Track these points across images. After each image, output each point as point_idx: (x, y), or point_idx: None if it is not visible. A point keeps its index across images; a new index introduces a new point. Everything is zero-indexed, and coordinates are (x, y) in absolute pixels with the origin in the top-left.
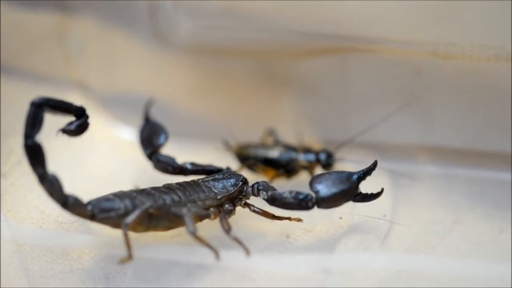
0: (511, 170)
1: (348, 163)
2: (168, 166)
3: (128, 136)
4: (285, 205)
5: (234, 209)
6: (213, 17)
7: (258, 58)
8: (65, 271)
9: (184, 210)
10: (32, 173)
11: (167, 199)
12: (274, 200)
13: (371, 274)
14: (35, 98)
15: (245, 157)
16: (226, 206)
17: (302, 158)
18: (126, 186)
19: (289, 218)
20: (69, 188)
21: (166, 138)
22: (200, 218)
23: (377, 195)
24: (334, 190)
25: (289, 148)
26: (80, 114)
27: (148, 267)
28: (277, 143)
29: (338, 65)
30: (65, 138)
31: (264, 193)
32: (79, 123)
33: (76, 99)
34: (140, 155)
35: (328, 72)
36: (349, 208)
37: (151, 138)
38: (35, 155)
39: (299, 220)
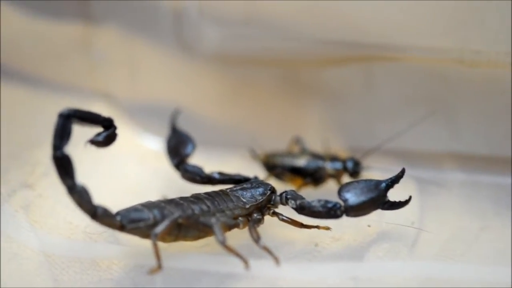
0: None
1: (375, 171)
2: (195, 175)
3: (154, 146)
4: (314, 214)
5: (263, 218)
6: (237, 26)
7: (283, 66)
8: (94, 281)
9: (213, 220)
10: (60, 184)
11: (196, 209)
12: (302, 209)
13: (400, 282)
14: (63, 110)
15: (272, 166)
16: (255, 215)
17: (329, 166)
18: (154, 196)
19: (317, 227)
20: (97, 198)
21: (193, 147)
22: (229, 227)
23: (405, 203)
24: (362, 198)
25: (316, 156)
26: (108, 125)
27: (177, 277)
28: (304, 151)
29: (363, 73)
30: (92, 148)
31: (293, 201)
32: (107, 134)
33: (101, 109)
34: (167, 165)
35: (353, 80)
36: (377, 216)
37: (178, 147)
38: (64, 167)
39: (328, 228)
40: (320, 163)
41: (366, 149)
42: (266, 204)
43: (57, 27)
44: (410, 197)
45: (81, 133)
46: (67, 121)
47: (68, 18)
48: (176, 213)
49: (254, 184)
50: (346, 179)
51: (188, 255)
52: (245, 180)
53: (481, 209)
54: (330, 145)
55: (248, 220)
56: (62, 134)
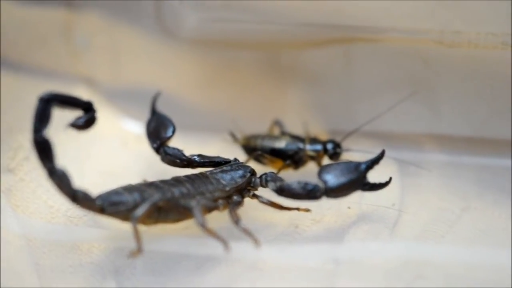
0: None
1: (355, 153)
2: (176, 158)
3: (135, 129)
4: (294, 196)
5: (243, 200)
6: (218, 10)
7: (263, 49)
8: (75, 265)
9: (193, 202)
10: (41, 168)
11: (176, 191)
12: (282, 191)
13: (381, 263)
14: (43, 94)
15: (252, 148)
16: (235, 197)
17: (309, 148)
18: (135, 180)
19: (297, 209)
20: (78, 182)
21: (174, 131)
22: (209, 210)
23: (385, 184)
24: (342, 179)
25: (296, 138)
26: (88, 108)
27: (157, 259)
28: (283, 133)
29: (343, 55)
30: (73, 132)
31: (273, 184)
32: (87, 117)
33: (83, 94)
34: (148, 149)
35: (334, 62)
36: (358, 197)
37: (158, 131)
38: (44, 150)
39: (308, 210)
40: (300, 145)
41: (347, 131)
42: (246, 187)
43: (39, 13)
44: (390, 179)
45: (62, 117)
46: (47, 105)
47: (50, 3)
48: (156, 196)
49: (234, 167)
50: (326, 161)
51: (169, 238)
52: (225, 162)
53: (462, 190)
54: (310, 127)
55: (228, 203)
56: (42, 118)
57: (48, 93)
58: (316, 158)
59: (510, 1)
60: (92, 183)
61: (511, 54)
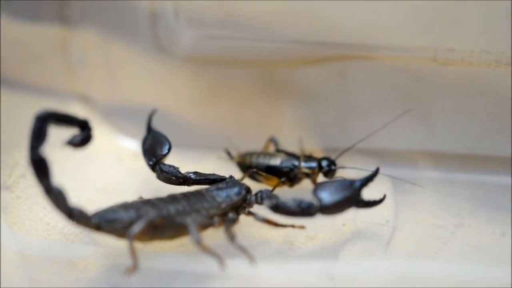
0: None
1: (350, 171)
2: (171, 176)
3: (131, 146)
4: (289, 213)
5: (238, 217)
6: (213, 27)
7: (258, 67)
8: (71, 281)
9: (188, 220)
10: (37, 185)
11: (172, 209)
12: (277, 208)
13: (375, 280)
14: (40, 112)
15: (247, 166)
16: (230, 214)
17: (303, 165)
18: (131, 197)
19: (292, 226)
20: (74, 199)
21: (169, 148)
22: (205, 227)
23: (380, 201)
24: (337, 197)
25: (290, 155)
26: (84, 126)
27: (153, 276)
28: (278, 151)
29: (338, 73)
30: (70, 150)
31: (268, 201)
32: (84, 135)
33: (78, 111)
34: (143, 166)
35: (328, 80)
36: (352, 214)
37: (154, 148)
38: (41, 168)
39: (303, 227)
40: (295, 162)
41: (341, 148)
42: (242, 204)
43: (35, 30)
44: (384, 196)
45: (58, 134)
46: (43, 123)
47: (45, 20)
48: (152, 214)
49: (229, 184)
50: (321, 178)
51: (164, 255)
52: (221, 180)
53: (455, 207)
54: (305, 145)
55: (224, 220)
56: (38, 136)
57: (45, 111)
58: (311, 175)
59: (503, 19)
60: (88, 200)
61: (504, 71)
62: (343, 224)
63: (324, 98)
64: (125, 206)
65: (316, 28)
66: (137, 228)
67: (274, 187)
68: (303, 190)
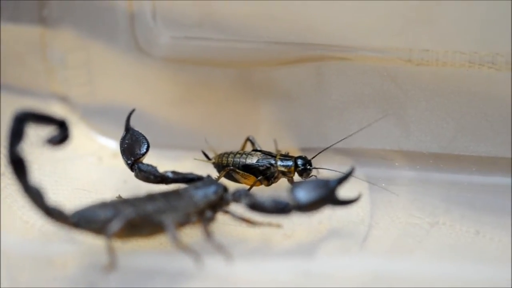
0: (487, 173)
1: (325, 170)
2: (149, 175)
3: (110, 146)
4: (265, 211)
5: (215, 216)
6: (191, 28)
7: (236, 67)
8: (49, 280)
9: (165, 218)
10: (16, 184)
11: (149, 207)
12: (254, 207)
13: (351, 278)
14: (18, 111)
15: (224, 166)
16: (207, 213)
17: (280, 164)
18: (109, 196)
19: (269, 224)
20: (53, 198)
21: (148, 148)
22: (182, 225)
23: (355, 200)
24: (313, 195)
25: (267, 154)
26: (63, 125)
27: (131, 275)
28: (255, 150)
29: (314, 73)
30: (48, 149)
31: (244, 199)
32: (62, 134)
33: (58, 111)
34: (122, 165)
35: (305, 80)
36: (328, 213)
37: (132, 148)
38: (19, 167)
39: (279, 225)
40: (271, 161)
41: (318, 148)
42: (219, 203)
43: (14, 30)
44: (360, 195)
45: (37, 133)
46: (21, 122)
47: (25, 21)
48: (130, 212)
49: (206, 183)
50: (297, 178)
51: (142, 253)
52: (198, 179)
53: (430, 206)
54: (282, 144)
55: (201, 218)
56: (16, 135)
57: (23, 110)
58: (287, 173)
59: (477, 20)
60: (67, 199)
61: (478, 72)
62: (319, 223)
63: (301, 98)
64: (104, 205)
65: (293, 29)
66: (115, 226)
67: (251, 186)
68: (280, 189)
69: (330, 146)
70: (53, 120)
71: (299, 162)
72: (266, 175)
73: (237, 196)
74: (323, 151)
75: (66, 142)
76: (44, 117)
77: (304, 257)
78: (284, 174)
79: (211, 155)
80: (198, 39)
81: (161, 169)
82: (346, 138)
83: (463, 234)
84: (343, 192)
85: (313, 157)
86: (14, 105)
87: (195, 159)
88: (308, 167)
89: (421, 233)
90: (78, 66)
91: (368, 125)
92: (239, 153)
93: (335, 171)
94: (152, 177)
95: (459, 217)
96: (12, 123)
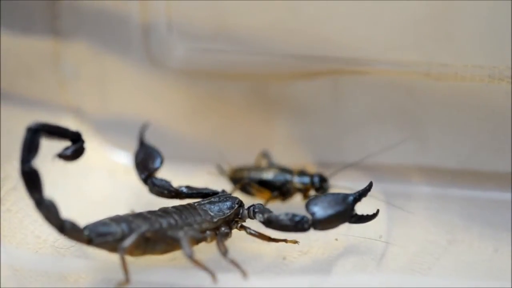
0: (505, 189)
1: (342, 188)
2: (163, 189)
3: (123, 160)
4: (281, 227)
5: (231, 231)
6: (206, 41)
7: (251, 80)
8: None
9: (180, 234)
10: (28, 198)
11: (164, 222)
12: (270, 222)
13: None
14: (32, 124)
15: (239, 180)
16: (223, 229)
17: (296, 180)
18: (122, 210)
19: (285, 240)
20: (65, 212)
21: (161, 161)
22: (197, 241)
23: (373, 216)
24: (330, 211)
25: (283, 170)
26: (76, 139)
27: None
28: (271, 165)
29: (331, 87)
30: (61, 162)
31: (260, 215)
32: (75, 148)
33: (70, 124)
34: (135, 179)
35: (321, 94)
36: (345, 229)
37: (146, 162)
38: (32, 181)
39: (295, 242)
40: (287, 176)
41: (334, 163)
42: (234, 218)
43: (27, 42)
44: (377, 211)
45: (50, 147)
46: (35, 135)
47: (38, 33)
48: (144, 227)
49: (221, 198)
50: (313, 194)
51: (156, 269)
52: (213, 194)
53: (448, 222)
54: (297, 159)
55: (216, 234)
56: (30, 148)
57: (37, 123)
58: (303, 190)
59: (497, 34)
60: (80, 213)
61: (497, 86)
62: (336, 239)
63: (317, 112)
64: (117, 220)
65: (310, 42)
66: (128, 241)
67: (267, 201)
68: (296, 205)
69: (347, 165)
70: (68, 133)
71: (316, 179)
72: (281, 191)
73: (253, 211)
74: (340, 169)
75: (81, 155)
76: (58, 129)
77: (320, 274)
78: (300, 190)
79: (225, 169)
80: (213, 51)
81: (175, 183)
82: (366, 157)
83: (481, 252)
84: (360, 208)
85: (331, 175)
86: (26, 117)
87: (208, 173)
88: (325, 185)
89: (439, 250)
90: (91, 78)
91: (390, 147)
92: (255, 168)
93: (352, 188)
94: (166, 191)
95: (477, 234)
96: (25, 135)
